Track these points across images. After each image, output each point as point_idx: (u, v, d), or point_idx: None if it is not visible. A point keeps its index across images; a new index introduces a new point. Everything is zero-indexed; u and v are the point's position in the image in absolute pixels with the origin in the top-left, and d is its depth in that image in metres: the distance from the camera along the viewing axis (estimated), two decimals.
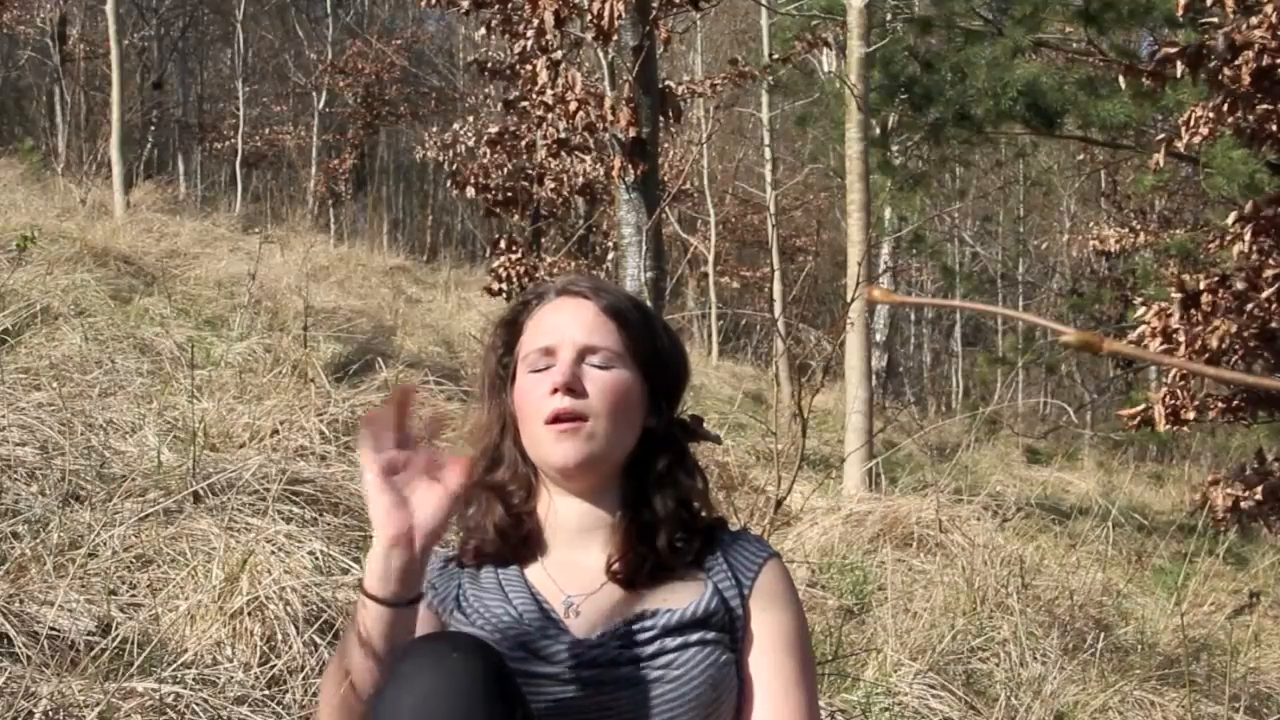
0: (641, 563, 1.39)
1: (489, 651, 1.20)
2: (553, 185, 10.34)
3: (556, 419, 1.40)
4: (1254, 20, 5.61)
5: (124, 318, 4.84)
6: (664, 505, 1.43)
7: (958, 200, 19.92)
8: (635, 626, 1.34)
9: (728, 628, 1.38)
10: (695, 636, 1.34)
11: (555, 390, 1.40)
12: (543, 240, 11.25)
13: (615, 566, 1.40)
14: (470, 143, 11.31)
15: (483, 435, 1.51)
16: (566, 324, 1.46)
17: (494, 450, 1.49)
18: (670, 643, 1.33)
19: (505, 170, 9.83)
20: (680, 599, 1.38)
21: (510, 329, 1.52)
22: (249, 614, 2.34)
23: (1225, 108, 5.76)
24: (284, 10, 23.36)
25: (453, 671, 1.16)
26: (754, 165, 17.37)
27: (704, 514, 1.48)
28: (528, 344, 1.48)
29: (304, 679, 2.28)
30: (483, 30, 8.60)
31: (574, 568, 1.43)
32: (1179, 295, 6.15)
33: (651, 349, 1.48)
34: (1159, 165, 6.55)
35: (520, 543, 1.45)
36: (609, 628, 1.35)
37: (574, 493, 1.44)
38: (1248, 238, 6.01)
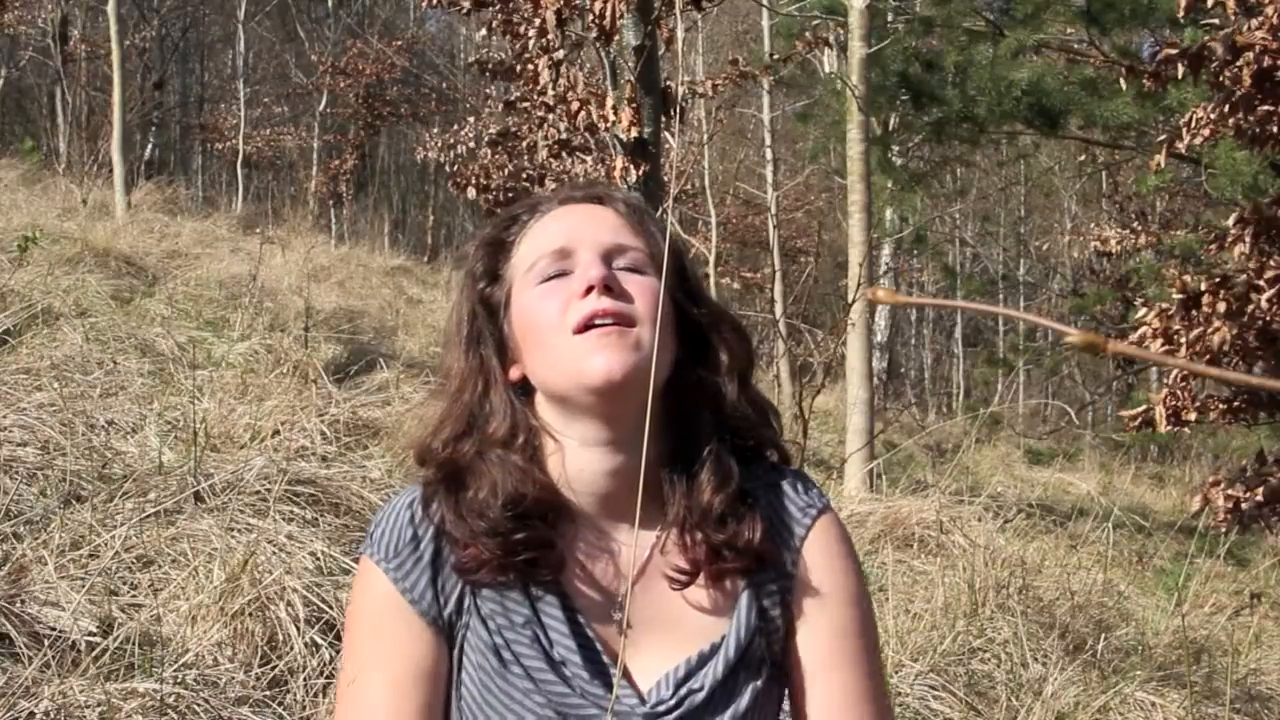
0: (699, 565, 1.17)
1: None
2: (554, 186, 10.34)
3: (590, 325, 1.11)
4: (1255, 22, 5.61)
5: (125, 318, 4.84)
6: (716, 473, 1.17)
7: (958, 201, 19.93)
8: (691, 683, 1.16)
9: (765, 631, 1.20)
10: (743, 678, 1.18)
11: (590, 289, 1.12)
12: None
13: (676, 572, 1.17)
14: (470, 144, 11.32)
15: (455, 395, 1.20)
16: (582, 224, 1.19)
17: (469, 413, 1.18)
18: (721, 690, 1.17)
19: (506, 171, 9.84)
20: (718, 607, 1.18)
21: (496, 251, 1.22)
22: (250, 614, 2.33)
23: (1226, 109, 5.76)
24: (285, 11, 23.36)
25: None
26: (755, 166, 17.36)
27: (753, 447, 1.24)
28: (528, 255, 1.19)
29: (305, 680, 2.28)
30: (483, 31, 8.60)
31: (609, 561, 1.18)
32: (1180, 296, 6.15)
33: (678, 259, 1.22)
34: (1160, 166, 6.54)
35: (545, 551, 1.15)
36: (660, 676, 1.17)
37: (605, 432, 1.15)
38: (1248, 240, 6.00)
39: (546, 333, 1.14)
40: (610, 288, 1.12)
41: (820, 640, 1.20)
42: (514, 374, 1.19)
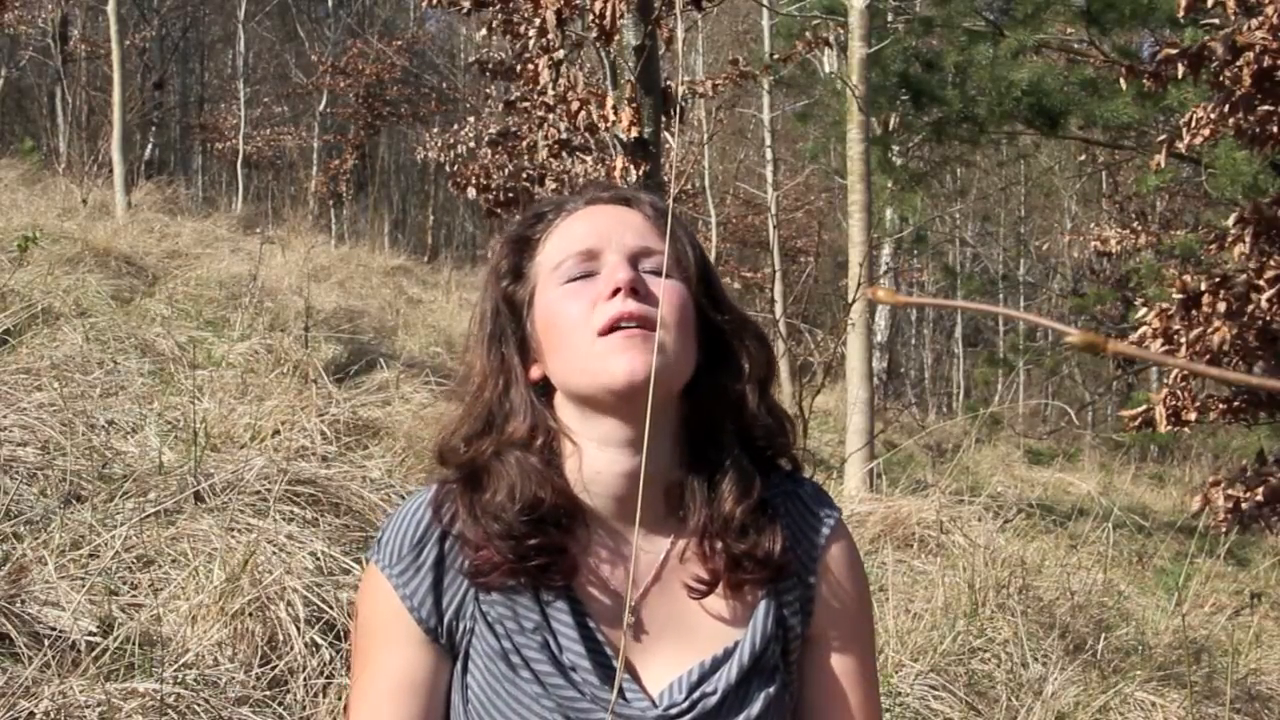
0: (719, 575, 1.16)
1: None
2: (554, 186, 10.34)
3: (616, 327, 1.11)
4: (1255, 22, 5.61)
5: (125, 318, 4.84)
6: (738, 483, 1.16)
7: (958, 201, 19.94)
8: (704, 686, 1.16)
9: (782, 639, 1.20)
10: (755, 684, 1.17)
11: (616, 292, 1.12)
12: None
13: (695, 582, 1.16)
14: (470, 144, 11.32)
15: (475, 393, 1.19)
16: (610, 225, 1.18)
17: (488, 411, 1.18)
18: (734, 695, 1.17)
19: (506, 171, 9.84)
20: (736, 615, 1.18)
21: (521, 249, 1.21)
22: (250, 614, 2.33)
23: (1226, 109, 5.76)
24: (285, 11, 23.38)
25: None
26: (755, 166, 17.37)
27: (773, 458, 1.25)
28: (554, 255, 1.18)
29: (305, 680, 2.27)
30: (483, 31, 8.60)
31: (622, 566, 1.17)
32: (1180, 296, 6.16)
33: (703, 265, 1.22)
34: (1160, 166, 6.55)
35: (558, 556, 1.14)
36: (673, 679, 1.16)
37: (624, 432, 1.14)
38: (1248, 240, 6.01)
39: (570, 333, 1.13)
40: (636, 290, 1.12)
41: (841, 654, 1.22)
42: (534, 373, 1.19)
